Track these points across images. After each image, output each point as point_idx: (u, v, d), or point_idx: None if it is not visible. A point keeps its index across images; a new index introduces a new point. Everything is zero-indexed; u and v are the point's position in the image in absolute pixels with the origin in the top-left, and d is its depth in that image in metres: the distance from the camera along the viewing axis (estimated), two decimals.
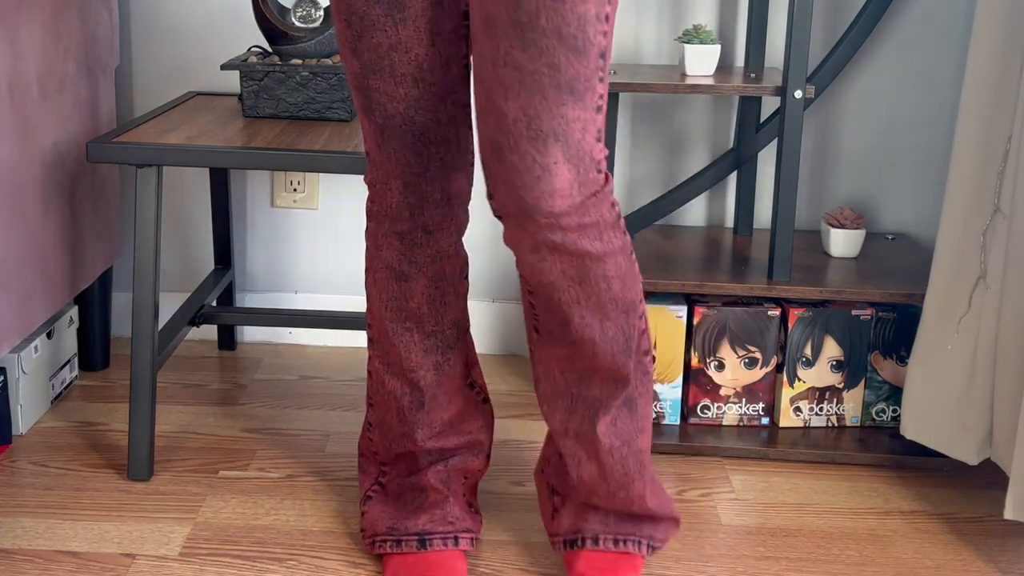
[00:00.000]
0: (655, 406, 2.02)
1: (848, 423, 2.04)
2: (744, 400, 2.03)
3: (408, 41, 1.37)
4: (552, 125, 1.28)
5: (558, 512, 1.58)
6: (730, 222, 2.32)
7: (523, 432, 2.05)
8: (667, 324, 2.00)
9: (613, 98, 1.98)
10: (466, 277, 1.56)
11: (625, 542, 1.54)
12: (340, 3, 1.38)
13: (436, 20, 1.37)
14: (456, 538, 1.59)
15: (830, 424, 2.04)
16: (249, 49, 2.13)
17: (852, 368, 2.02)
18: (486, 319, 2.38)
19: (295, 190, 2.36)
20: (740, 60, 2.25)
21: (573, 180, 1.31)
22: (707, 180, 2.19)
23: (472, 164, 1.50)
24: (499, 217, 1.38)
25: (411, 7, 1.35)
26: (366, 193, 2.36)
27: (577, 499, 1.55)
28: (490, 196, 1.38)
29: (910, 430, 1.88)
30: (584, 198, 1.33)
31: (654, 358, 1.49)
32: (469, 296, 2.32)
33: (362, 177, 2.06)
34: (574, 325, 1.41)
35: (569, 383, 1.48)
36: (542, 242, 1.35)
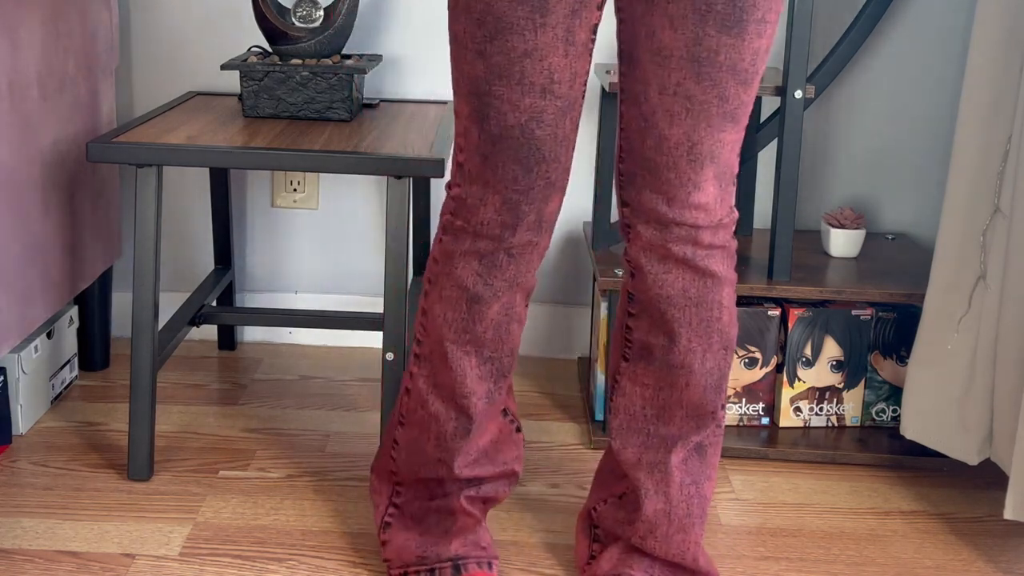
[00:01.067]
0: None
1: (848, 423, 2.04)
2: (744, 400, 2.04)
3: (544, 48, 1.31)
4: (711, 149, 1.34)
5: (596, 558, 1.55)
6: None
7: (524, 432, 2.04)
8: None
9: (613, 98, 1.98)
10: (528, 304, 1.52)
11: None
12: (474, 1, 1.31)
13: (572, 30, 1.32)
14: (490, 563, 1.55)
15: (830, 424, 2.04)
16: (249, 49, 2.13)
17: (852, 368, 2.02)
18: None
19: (295, 190, 2.36)
20: None
21: (717, 195, 1.38)
22: None
23: (566, 188, 1.45)
24: (628, 227, 1.42)
25: (554, 12, 1.30)
26: (366, 193, 2.37)
27: (627, 541, 1.52)
28: (625, 204, 1.41)
29: (910, 430, 1.88)
30: (722, 216, 1.39)
31: (725, 409, 1.49)
32: None
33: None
34: (679, 347, 1.43)
35: (648, 418, 1.48)
36: (674, 254, 1.39)
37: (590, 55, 1.36)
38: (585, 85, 1.38)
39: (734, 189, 1.42)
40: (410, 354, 1.54)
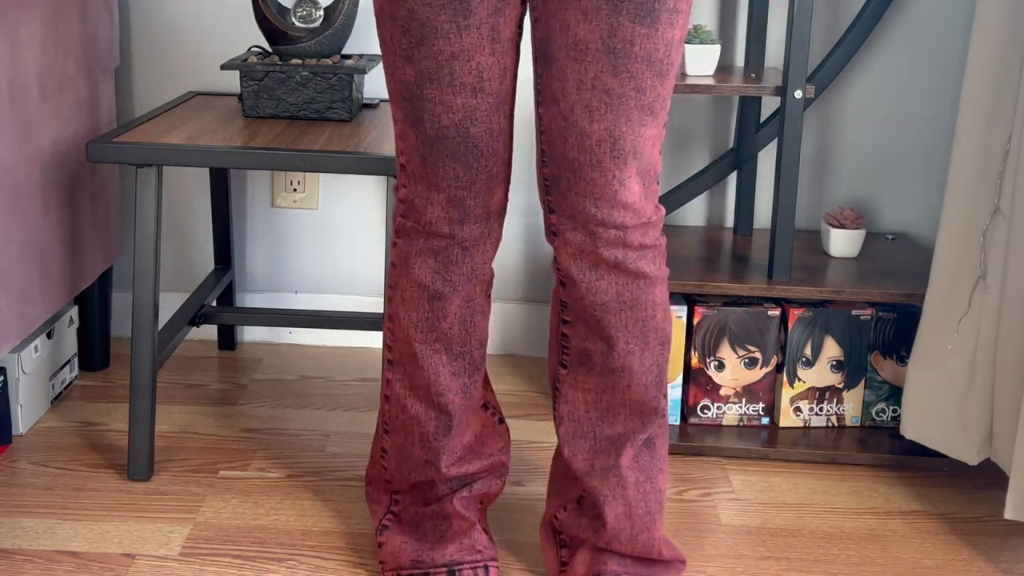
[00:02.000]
0: None
1: (848, 423, 2.04)
2: (744, 400, 2.03)
3: (471, 49, 1.33)
4: (633, 144, 1.34)
5: (568, 564, 1.55)
6: (730, 222, 2.32)
7: (523, 432, 2.05)
8: None
9: None
10: (490, 295, 1.54)
11: None
12: (397, 9, 1.33)
13: (497, 28, 1.34)
14: (486, 567, 1.55)
15: (830, 424, 2.04)
16: (249, 49, 2.13)
17: (852, 368, 2.02)
18: None
19: (295, 190, 2.36)
20: (740, 60, 2.25)
21: (641, 192, 1.37)
22: (707, 180, 2.19)
23: (510, 178, 1.47)
24: (555, 235, 1.41)
25: (476, 13, 1.32)
26: (366, 193, 2.37)
27: (593, 545, 1.52)
28: (551, 211, 1.41)
29: (910, 430, 1.88)
30: (649, 215, 1.39)
31: (667, 399, 1.49)
32: None
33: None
34: (617, 351, 1.42)
35: (593, 421, 1.48)
36: (605, 259, 1.38)
37: (517, 49, 1.38)
38: (515, 79, 1.40)
39: (658, 188, 1.41)
40: (383, 362, 1.55)
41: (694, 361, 2.02)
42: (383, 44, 1.38)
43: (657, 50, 1.31)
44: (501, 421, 1.62)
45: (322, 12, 2.04)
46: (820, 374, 2.02)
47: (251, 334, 2.43)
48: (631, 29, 1.29)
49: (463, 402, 1.51)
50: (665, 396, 1.48)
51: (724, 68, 2.14)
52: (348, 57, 2.10)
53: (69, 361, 2.15)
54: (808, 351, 2.00)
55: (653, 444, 1.50)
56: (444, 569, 1.53)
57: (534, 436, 2.04)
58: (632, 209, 1.37)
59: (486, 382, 1.60)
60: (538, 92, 1.38)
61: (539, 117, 1.39)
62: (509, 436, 1.63)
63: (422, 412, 1.51)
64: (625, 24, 1.29)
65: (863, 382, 2.03)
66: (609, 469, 1.48)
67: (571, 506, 1.54)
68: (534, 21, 1.36)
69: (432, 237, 1.43)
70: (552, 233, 1.42)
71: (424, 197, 1.42)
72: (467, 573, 1.53)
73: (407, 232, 1.46)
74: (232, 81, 2.30)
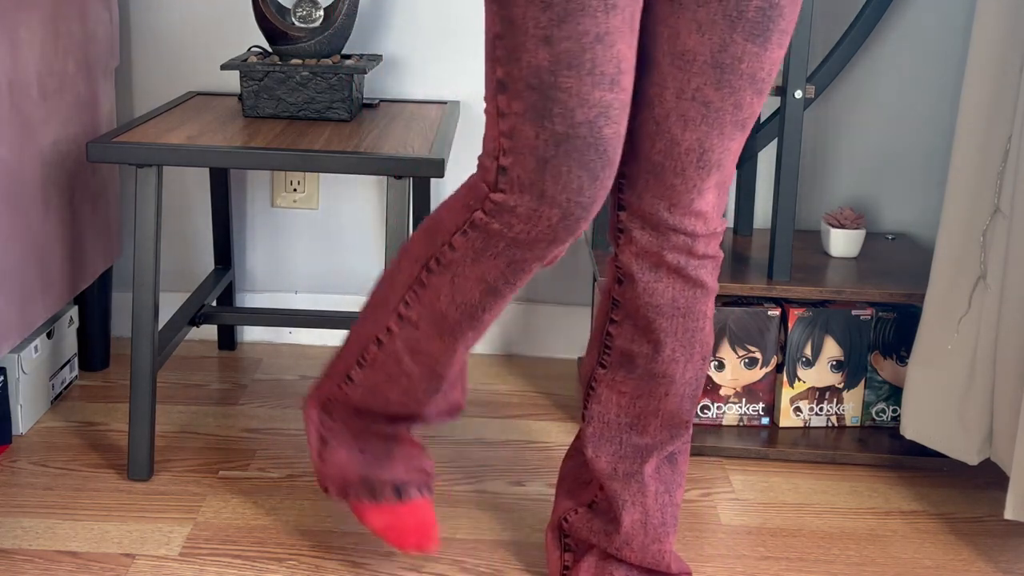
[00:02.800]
0: None
1: (848, 423, 2.04)
2: (744, 400, 2.04)
3: (615, 32, 1.19)
4: (719, 156, 1.33)
5: (571, 569, 1.53)
6: (730, 222, 2.32)
7: (523, 432, 2.05)
8: None
9: None
10: None
11: None
12: None
13: (635, 16, 1.22)
14: (430, 487, 1.52)
15: (830, 424, 2.04)
16: (249, 49, 2.13)
17: (852, 368, 2.02)
18: None
19: (295, 190, 2.36)
20: None
21: (714, 203, 1.37)
22: None
23: None
24: (621, 232, 1.39)
25: None
26: (366, 193, 2.37)
27: (602, 552, 1.51)
28: (621, 208, 1.39)
29: (910, 430, 1.88)
30: (716, 225, 1.38)
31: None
32: None
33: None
34: (663, 356, 1.41)
35: (622, 427, 1.47)
36: (667, 262, 1.37)
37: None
38: None
39: (727, 199, 1.41)
40: (385, 307, 1.44)
41: None
42: (510, 24, 1.20)
43: (762, 68, 1.30)
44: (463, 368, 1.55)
45: (322, 12, 2.04)
46: (820, 374, 2.02)
47: (251, 334, 2.43)
48: (742, 46, 1.28)
49: (460, 366, 1.48)
50: (694, 415, 1.48)
51: None
52: (348, 57, 2.10)
53: (69, 361, 2.15)
54: (808, 351, 2.00)
55: (675, 459, 1.49)
56: (390, 485, 1.49)
57: (534, 436, 2.04)
58: (703, 218, 1.36)
59: None
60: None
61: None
62: (467, 379, 1.57)
63: (417, 373, 1.44)
64: (738, 41, 1.27)
65: (863, 382, 2.03)
66: (632, 475, 1.47)
67: (583, 510, 1.53)
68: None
69: (519, 248, 1.30)
70: (618, 230, 1.40)
71: (532, 210, 1.25)
72: (414, 493, 1.50)
73: (489, 234, 1.30)
74: (232, 81, 2.30)
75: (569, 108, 1.20)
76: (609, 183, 1.26)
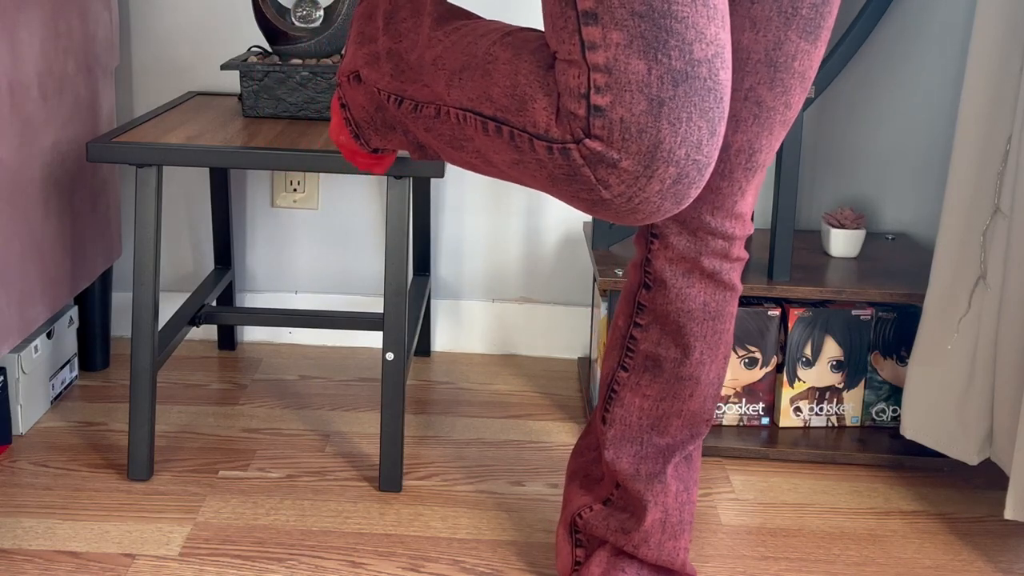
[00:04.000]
0: None
1: (848, 423, 2.04)
2: (744, 400, 2.04)
3: None
4: (766, 157, 1.31)
5: (583, 564, 1.53)
6: None
7: (523, 432, 2.05)
8: None
9: None
10: None
11: None
12: None
13: None
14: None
15: (830, 424, 2.04)
16: (249, 49, 2.13)
17: (852, 368, 2.02)
18: (486, 319, 2.38)
19: (295, 190, 2.36)
20: None
21: (752, 203, 1.35)
22: None
23: None
24: (655, 237, 1.36)
25: None
26: (366, 193, 2.37)
27: (614, 548, 1.50)
28: None
29: (910, 430, 1.88)
30: (749, 229, 1.35)
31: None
32: (467, 296, 2.33)
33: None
34: (692, 360, 1.39)
35: (643, 429, 1.45)
36: (702, 267, 1.35)
37: None
38: None
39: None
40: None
41: None
42: None
43: (812, 66, 1.27)
44: None
45: (322, 12, 2.04)
46: (820, 374, 2.02)
47: (251, 334, 2.43)
48: (796, 44, 1.25)
49: None
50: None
51: None
52: None
53: (69, 361, 2.15)
54: (808, 351, 2.00)
55: (691, 457, 1.49)
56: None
57: (534, 436, 2.04)
58: (742, 220, 1.34)
59: None
60: None
61: None
62: None
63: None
64: (792, 39, 1.25)
65: (863, 382, 2.03)
66: (655, 475, 1.46)
67: (598, 507, 1.52)
68: None
69: (606, 210, 1.07)
70: (652, 235, 1.37)
71: (644, 167, 1.02)
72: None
73: (579, 178, 1.05)
74: (232, 81, 2.30)
75: (687, 41, 1.00)
76: (719, 145, 1.05)
